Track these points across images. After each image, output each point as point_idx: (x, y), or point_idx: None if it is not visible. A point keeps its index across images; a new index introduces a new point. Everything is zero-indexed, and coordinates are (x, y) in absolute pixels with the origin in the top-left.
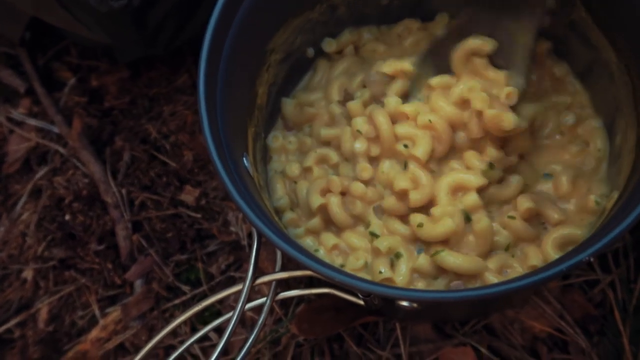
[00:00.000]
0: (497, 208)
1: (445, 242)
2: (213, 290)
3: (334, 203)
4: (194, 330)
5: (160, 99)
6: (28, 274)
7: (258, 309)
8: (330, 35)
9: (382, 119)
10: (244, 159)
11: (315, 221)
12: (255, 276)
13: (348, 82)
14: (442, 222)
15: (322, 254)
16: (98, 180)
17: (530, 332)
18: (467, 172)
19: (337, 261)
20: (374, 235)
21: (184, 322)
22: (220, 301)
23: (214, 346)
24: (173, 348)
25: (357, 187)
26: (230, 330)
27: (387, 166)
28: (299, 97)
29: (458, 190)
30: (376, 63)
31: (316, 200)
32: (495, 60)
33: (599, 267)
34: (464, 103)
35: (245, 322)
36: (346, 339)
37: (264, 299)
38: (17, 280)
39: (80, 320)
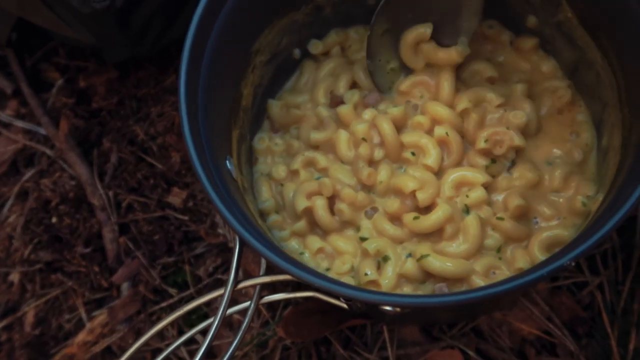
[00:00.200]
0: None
1: (439, 237)
2: (200, 293)
3: (320, 206)
4: (181, 333)
5: (148, 100)
6: (15, 277)
7: (244, 312)
8: (316, 35)
9: (387, 127)
10: (227, 161)
11: (301, 224)
12: (238, 280)
13: (334, 83)
14: (437, 210)
15: (307, 257)
16: (85, 182)
17: (518, 334)
18: (472, 170)
19: (322, 264)
20: (363, 240)
21: (171, 325)
22: (208, 303)
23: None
24: (160, 351)
25: (348, 193)
26: (212, 335)
27: (388, 170)
28: (285, 98)
29: (462, 185)
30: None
31: (302, 203)
32: (441, 41)
33: (588, 269)
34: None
35: (232, 325)
36: (333, 342)
37: (248, 303)
38: (3, 283)
39: (67, 324)
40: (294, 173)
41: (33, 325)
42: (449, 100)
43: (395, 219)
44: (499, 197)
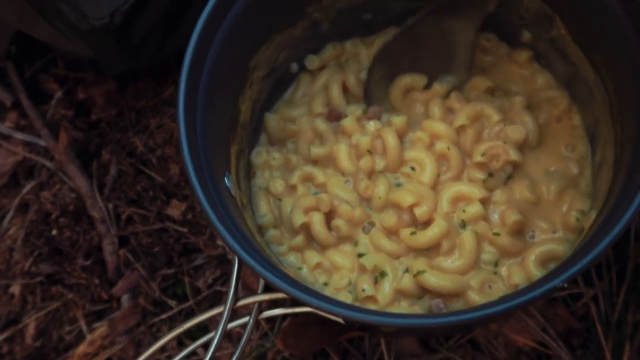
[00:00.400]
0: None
1: (435, 252)
2: (200, 305)
3: (317, 222)
4: (181, 345)
5: (147, 111)
6: (15, 289)
7: (244, 326)
8: (313, 49)
9: (392, 140)
10: (226, 178)
11: (299, 239)
12: (237, 297)
13: (328, 93)
14: (433, 226)
15: (305, 272)
16: (84, 194)
17: (514, 345)
18: (469, 184)
19: (320, 279)
20: (361, 256)
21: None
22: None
23: None
24: None
25: (345, 210)
26: (213, 351)
27: (386, 185)
28: (281, 111)
29: (459, 200)
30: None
31: (299, 219)
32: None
33: (582, 280)
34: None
35: (232, 337)
36: (331, 354)
37: (247, 318)
38: (4, 295)
39: (68, 336)
40: (292, 188)
41: (34, 337)
42: (442, 120)
43: (392, 233)
44: (496, 212)
